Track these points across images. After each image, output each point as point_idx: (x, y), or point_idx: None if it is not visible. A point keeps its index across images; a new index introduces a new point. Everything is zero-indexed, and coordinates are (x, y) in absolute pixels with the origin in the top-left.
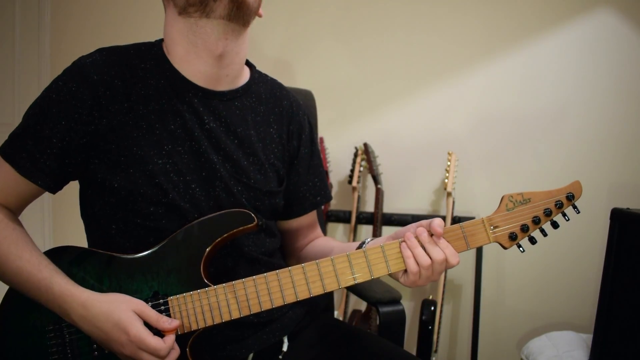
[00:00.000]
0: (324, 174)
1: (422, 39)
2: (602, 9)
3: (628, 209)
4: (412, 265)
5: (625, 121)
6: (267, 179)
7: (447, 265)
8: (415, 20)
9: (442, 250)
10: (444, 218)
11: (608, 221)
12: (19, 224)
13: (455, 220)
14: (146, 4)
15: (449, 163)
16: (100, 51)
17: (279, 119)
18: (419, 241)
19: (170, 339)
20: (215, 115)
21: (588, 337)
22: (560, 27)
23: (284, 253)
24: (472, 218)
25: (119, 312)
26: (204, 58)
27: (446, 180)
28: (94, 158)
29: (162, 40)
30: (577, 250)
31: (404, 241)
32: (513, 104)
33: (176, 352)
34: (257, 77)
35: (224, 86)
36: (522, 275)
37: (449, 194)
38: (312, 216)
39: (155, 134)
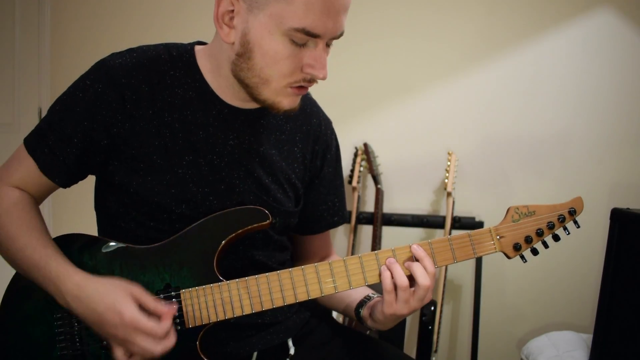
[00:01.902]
0: (344, 195)
1: (423, 40)
2: (602, 10)
3: (628, 209)
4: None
5: (625, 121)
6: (286, 199)
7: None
8: (416, 22)
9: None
10: (443, 218)
11: (608, 221)
12: (36, 207)
13: (456, 220)
14: (147, 4)
15: (449, 163)
16: (131, 52)
17: (305, 138)
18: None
19: (167, 322)
20: (240, 132)
21: (588, 337)
22: (560, 28)
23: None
24: (472, 218)
25: (114, 294)
26: (241, 96)
27: (446, 180)
28: (114, 160)
29: (195, 44)
30: (577, 250)
31: (416, 244)
32: (512, 104)
33: (171, 340)
34: None
35: (252, 105)
36: (521, 275)
37: (449, 194)
38: (326, 235)
39: (177, 144)
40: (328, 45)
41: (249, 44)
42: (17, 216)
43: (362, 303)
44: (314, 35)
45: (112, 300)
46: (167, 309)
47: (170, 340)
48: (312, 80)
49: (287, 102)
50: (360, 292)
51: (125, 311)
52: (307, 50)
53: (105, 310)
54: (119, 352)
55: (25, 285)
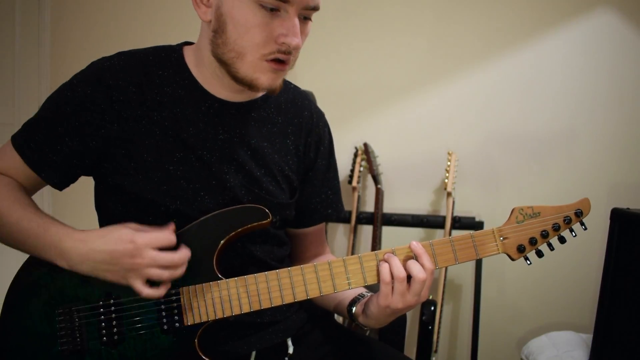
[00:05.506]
0: (339, 188)
1: (423, 40)
2: (602, 10)
3: (628, 209)
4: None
5: (625, 121)
6: (279, 191)
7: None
8: (416, 22)
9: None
10: (443, 218)
11: (608, 221)
12: (25, 191)
13: (456, 220)
14: (147, 4)
15: (449, 163)
16: (120, 55)
17: (297, 131)
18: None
19: (172, 234)
20: (230, 126)
21: (588, 337)
22: (560, 28)
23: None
24: (472, 218)
25: (117, 231)
26: (225, 83)
27: (446, 180)
28: (104, 162)
29: (184, 44)
30: (577, 250)
31: (415, 242)
32: (512, 104)
33: (185, 252)
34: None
35: (242, 97)
36: (522, 275)
37: (449, 194)
38: (319, 228)
39: (168, 141)
40: (306, 18)
41: (222, 16)
42: (8, 194)
43: (355, 300)
44: (282, 0)
45: (118, 235)
46: (167, 225)
47: (184, 252)
48: (287, 52)
49: (266, 78)
50: (353, 290)
51: (135, 236)
52: (279, 20)
53: (115, 245)
54: (138, 284)
55: (30, 281)
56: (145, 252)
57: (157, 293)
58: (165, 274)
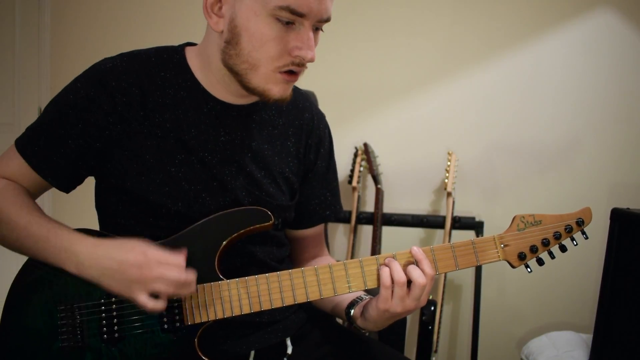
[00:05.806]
0: (338, 189)
1: (423, 40)
2: (602, 10)
3: (628, 208)
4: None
5: (625, 121)
6: (280, 193)
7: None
8: (417, 22)
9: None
10: (443, 218)
11: (608, 221)
12: (30, 196)
13: (456, 220)
14: (147, 5)
15: (449, 163)
16: (122, 57)
17: (297, 132)
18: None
19: (182, 255)
20: (231, 128)
21: (588, 337)
22: (562, 29)
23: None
24: (472, 218)
25: (132, 242)
26: (232, 89)
27: (446, 180)
28: (107, 162)
29: (185, 45)
30: (577, 250)
31: (416, 247)
32: (512, 104)
33: (192, 275)
34: None
35: (244, 100)
36: (521, 275)
37: (449, 194)
38: (318, 229)
39: (169, 143)
40: (318, 29)
41: (237, 28)
42: (14, 200)
43: (353, 303)
44: (299, 14)
45: (132, 245)
46: (181, 250)
47: (192, 274)
48: (300, 65)
49: (277, 89)
50: (351, 293)
51: (147, 249)
52: (293, 33)
53: (127, 254)
54: (142, 297)
55: (32, 279)
56: (155, 266)
57: (160, 306)
58: (170, 290)
